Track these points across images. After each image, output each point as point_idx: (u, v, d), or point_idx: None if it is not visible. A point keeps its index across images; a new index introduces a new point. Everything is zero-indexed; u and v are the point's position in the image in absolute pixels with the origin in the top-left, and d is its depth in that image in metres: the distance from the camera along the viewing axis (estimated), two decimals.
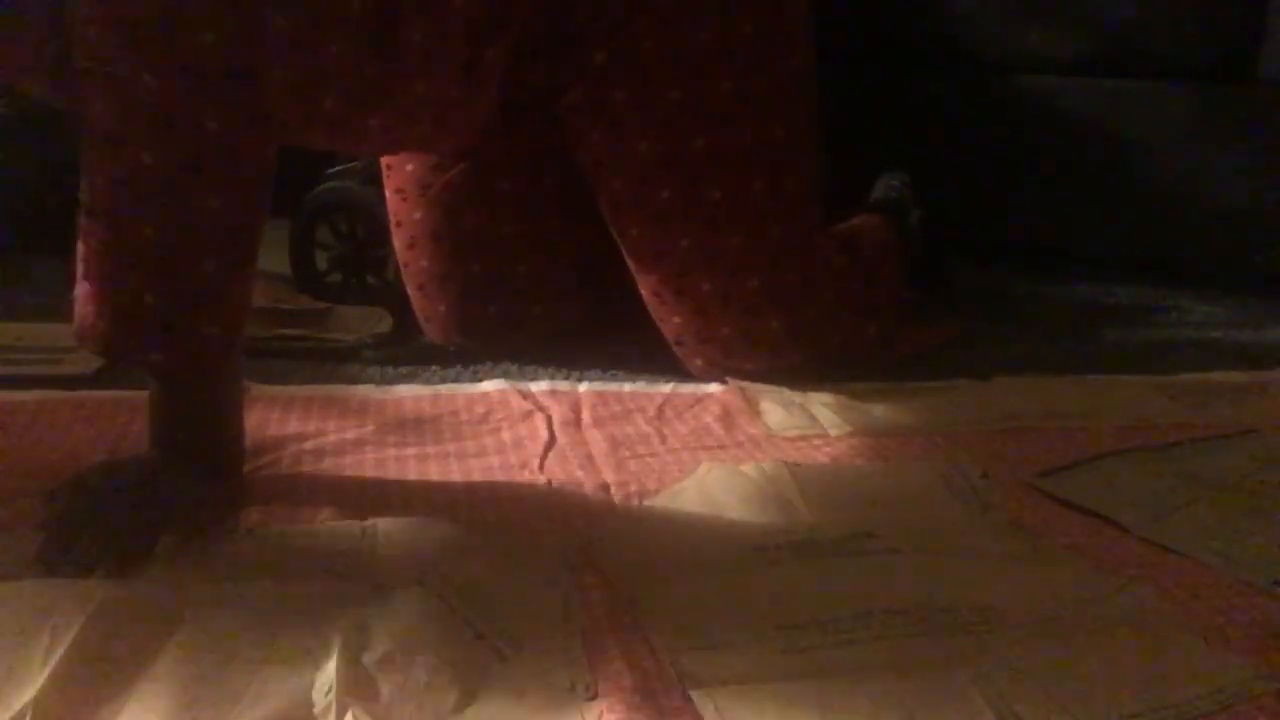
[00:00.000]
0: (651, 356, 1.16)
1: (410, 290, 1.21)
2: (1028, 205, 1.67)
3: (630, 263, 1.12)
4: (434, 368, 1.16)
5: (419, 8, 0.91)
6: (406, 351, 1.21)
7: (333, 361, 1.17)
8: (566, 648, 0.65)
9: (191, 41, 0.76)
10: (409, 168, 1.17)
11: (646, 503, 0.85)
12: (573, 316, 1.22)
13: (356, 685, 0.59)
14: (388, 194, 1.21)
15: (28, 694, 0.57)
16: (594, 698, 0.60)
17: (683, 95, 1.03)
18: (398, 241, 1.21)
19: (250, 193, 0.82)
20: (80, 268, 0.81)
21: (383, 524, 0.78)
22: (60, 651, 0.60)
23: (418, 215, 1.18)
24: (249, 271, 0.83)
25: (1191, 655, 0.65)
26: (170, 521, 0.75)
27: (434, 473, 0.90)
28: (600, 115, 1.05)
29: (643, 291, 1.12)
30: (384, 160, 1.20)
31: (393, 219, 1.21)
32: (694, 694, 0.60)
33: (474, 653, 0.63)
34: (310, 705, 0.58)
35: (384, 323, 1.26)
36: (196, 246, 0.79)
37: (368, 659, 0.61)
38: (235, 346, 0.83)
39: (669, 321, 1.12)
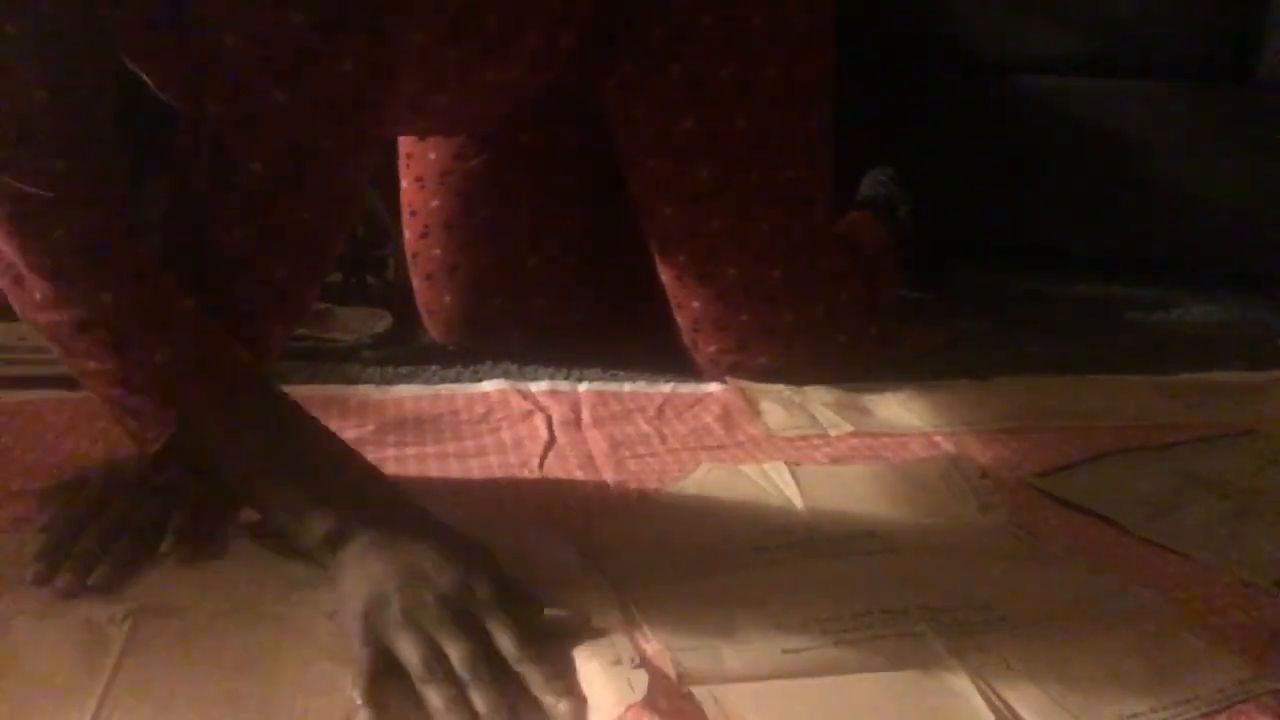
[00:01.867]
0: (651, 356, 1.16)
1: (416, 282, 1.22)
2: (1028, 205, 1.67)
3: (656, 245, 1.12)
4: (434, 368, 1.16)
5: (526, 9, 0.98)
6: (406, 351, 1.21)
7: (333, 361, 1.17)
8: (606, 623, 0.66)
9: (332, 70, 0.77)
10: (431, 156, 1.19)
11: (646, 503, 0.85)
12: (574, 314, 1.23)
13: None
14: (405, 183, 1.21)
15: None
16: (640, 666, 0.61)
17: (733, 75, 1.06)
18: (409, 231, 1.21)
19: (344, 209, 0.83)
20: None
21: None
22: (105, 677, 0.61)
23: (435, 204, 1.19)
24: (318, 282, 0.84)
25: (1191, 655, 0.65)
26: (176, 522, 0.75)
27: (434, 472, 0.90)
28: (649, 91, 1.07)
29: (664, 276, 1.13)
30: (404, 150, 1.21)
31: (407, 209, 1.21)
32: (694, 691, 0.60)
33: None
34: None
35: (384, 323, 1.26)
36: (276, 253, 0.80)
37: None
38: (279, 352, 0.83)
39: (688, 307, 1.13)
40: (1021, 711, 0.59)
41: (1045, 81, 1.62)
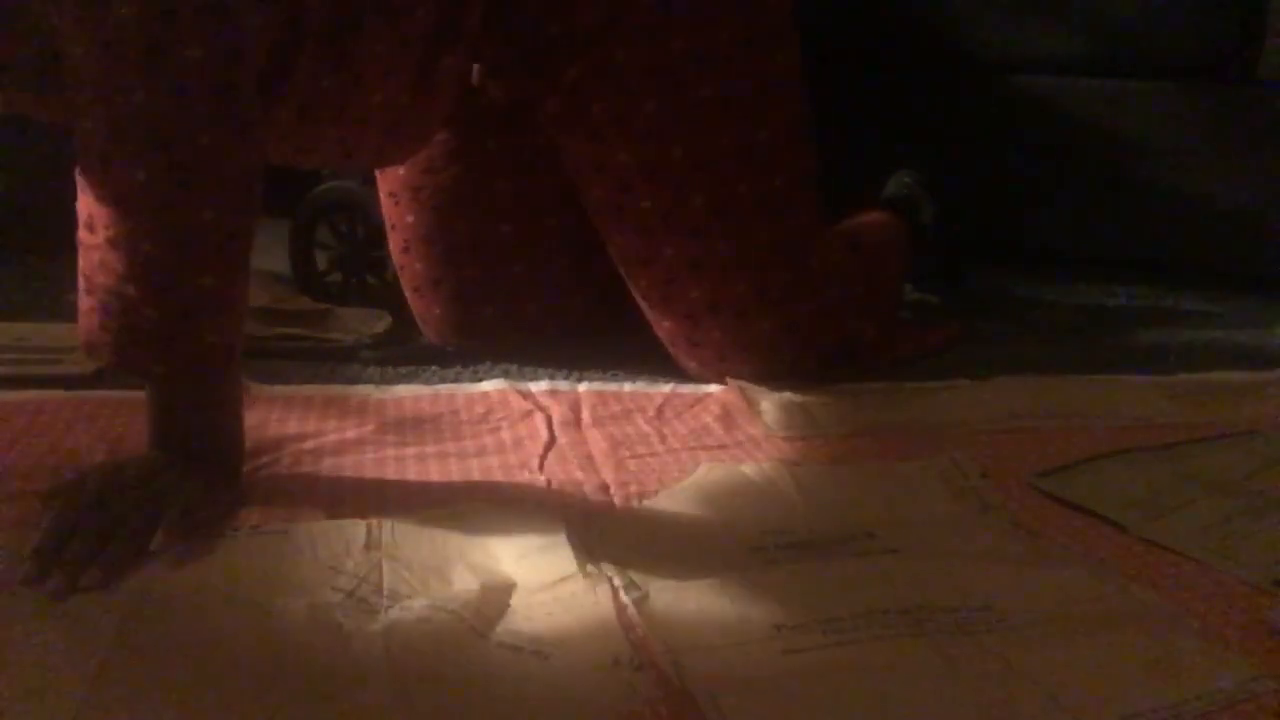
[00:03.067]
0: (651, 356, 1.16)
1: (406, 292, 1.22)
2: (1028, 205, 1.67)
3: (620, 269, 1.12)
4: (434, 368, 1.16)
5: (379, 19, 0.92)
6: (406, 351, 1.21)
7: (333, 361, 1.17)
8: (600, 627, 0.65)
9: (180, 58, 0.75)
10: (400, 171, 1.17)
11: (646, 503, 0.85)
12: (572, 314, 1.22)
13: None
14: (381, 197, 1.21)
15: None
16: (640, 668, 0.61)
17: (660, 105, 1.03)
18: (392, 245, 1.21)
19: (243, 202, 0.81)
20: (81, 281, 0.81)
21: (387, 524, 0.78)
22: (92, 670, 0.60)
23: (410, 219, 1.18)
24: (244, 277, 0.83)
25: (1191, 655, 0.65)
26: (169, 521, 0.75)
27: (434, 472, 0.90)
28: (579, 126, 1.05)
29: (635, 295, 1.13)
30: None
31: (387, 222, 1.21)
32: (695, 692, 0.60)
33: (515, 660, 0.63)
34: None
35: (383, 323, 1.26)
36: (193, 259, 0.79)
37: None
38: (235, 351, 0.83)
39: (660, 326, 1.13)
40: (1021, 711, 0.59)
41: (1045, 81, 1.62)
